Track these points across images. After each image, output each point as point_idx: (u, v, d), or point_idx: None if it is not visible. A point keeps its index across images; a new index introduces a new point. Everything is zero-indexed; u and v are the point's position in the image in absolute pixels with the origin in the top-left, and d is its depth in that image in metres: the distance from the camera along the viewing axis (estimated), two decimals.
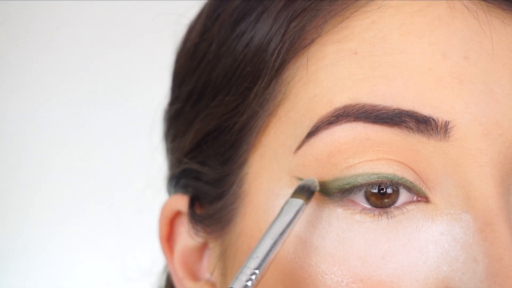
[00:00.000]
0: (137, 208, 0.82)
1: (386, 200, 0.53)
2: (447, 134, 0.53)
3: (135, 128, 0.95)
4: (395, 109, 0.53)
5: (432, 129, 0.53)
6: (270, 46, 0.57)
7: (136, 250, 0.94)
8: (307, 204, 0.53)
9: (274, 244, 0.52)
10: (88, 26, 1.30)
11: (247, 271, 0.51)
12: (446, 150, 0.53)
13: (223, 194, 0.60)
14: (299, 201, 0.53)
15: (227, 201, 0.60)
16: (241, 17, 0.59)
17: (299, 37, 0.56)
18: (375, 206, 0.53)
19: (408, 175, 0.53)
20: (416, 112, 0.52)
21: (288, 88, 0.57)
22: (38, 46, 1.29)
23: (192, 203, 0.63)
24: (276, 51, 0.56)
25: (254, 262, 0.51)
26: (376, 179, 0.53)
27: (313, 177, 0.54)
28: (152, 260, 0.77)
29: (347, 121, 0.54)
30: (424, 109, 0.52)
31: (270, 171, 0.57)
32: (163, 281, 0.74)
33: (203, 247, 0.64)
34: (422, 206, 0.53)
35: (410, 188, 0.53)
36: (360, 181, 0.53)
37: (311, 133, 0.55)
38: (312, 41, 0.56)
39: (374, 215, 0.53)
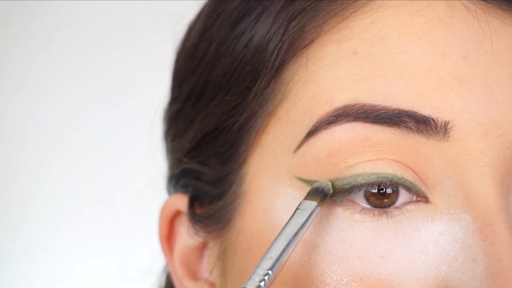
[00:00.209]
0: (137, 208, 0.82)
1: (385, 200, 0.53)
2: (447, 134, 0.53)
3: (135, 128, 0.95)
4: (394, 109, 0.53)
5: (432, 129, 0.53)
6: (269, 46, 0.57)
7: (136, 250, 0.94)
8: (321, 206, 0.53)
9: (288, 245, 0.52)
10: (88, 26, 1.30)
11: (260, 271, 0.51)
12: (445, 150, 0.53)
13: (222, 194, 0.60)
14: (312, 203, 0.53)
15: (227, 200, 0.60)
16: (241, 17, 0.59)
17: (298, 37, 0.56)
18: (375, 206, 0.53)
19: (407, 175, 0.53)
20: (416, 112, 0.52)
21: (287, 88, 0.57)
22: (38, 46, 1.29)
23: (192, 203, 0.63)
24: (276, 51, 0.56)
25: (267, 263, 0.52)
26: (376, 179, 0.53)
27: (311, 177, 0.54)
28: (152, 260, 0.78)
29: (346, 121, 0.54)
30: (424, 109, 0.52)
31: (270, 171, 0.57)
32: (163, 281, 0.74)
33: (203, 247, 0.64)
34: (421, 206, 0.53)
35: (409, 188, 0.53)
36: (359, 181, 0.53)
37: (311, 133, 0.55)
38: (312, 41, 0.56)
39: (373, 215, 0.53)
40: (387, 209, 0.53)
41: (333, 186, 0.54)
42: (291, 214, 0.54)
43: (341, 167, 0.54)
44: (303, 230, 0.53)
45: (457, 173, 0.53)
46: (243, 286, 0.51)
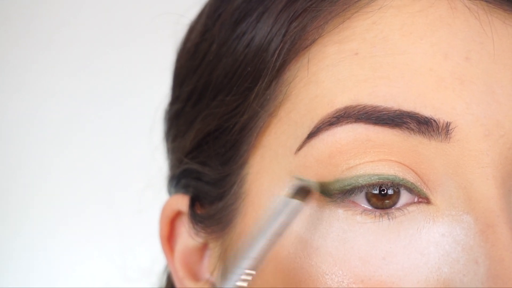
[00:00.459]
0: (137, 208, 0.82)
1: (387, 201, 0.53)
2: (448, 135, 0.52)
3: (135, 128, 0.95)
4: (396, 110, 0.53)
5: (433, 130, 0.52)
6: (271, 46, 0.57)
7: (136, 250, 0.94)
8: (303, 204, 0.53)
9: (268, 244, 0.52)
10: (88, 26, 1.29)
11: (239, 271, 0.51)
12: (447, 151, 0.53)
13: (223, 195, 0.60)
14: (293, 201, 0.53)
15: (228, 201, 0.60)
16: (242, 17, 0.59)
17: (300, 38, 0.56)
18: (376, 207, 0.53)
19: (409, 176, 0.53)
20: (417, 113, 0.52)
21: (289, 88, 0.56)
22: (38, 46, 1.29)
23: (193, 203, 0.63)
24: (277, 51, 0.56)
25: (246, 263, 0.52)
26: (377, 180, 0.53)
27: (312, 178, 0.54)
28: (152, 260, 0.77)
29: (348, 122, 0.53)
30: (425, 110, 0.52)
31: (271, 172, 0.57)
32: (163, 281, 0.74)
33: (203, 247, 0.63)
34: (423, 207, 0.53)
35: (411, 189, 0.53)
36: (361, 182, 0.53)
37: (312, 134, 0.55)
38: (313, 41, 0.56)
39: (375, 216, 0.53)
40: (389, 210, 0.53)
41: (334, 187, 0.54)
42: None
43: (342, 168, 0.53)
44: (283, 229, 0.53)
45: (458, 174, 0.52)
46: (220, 287, 0.51)
